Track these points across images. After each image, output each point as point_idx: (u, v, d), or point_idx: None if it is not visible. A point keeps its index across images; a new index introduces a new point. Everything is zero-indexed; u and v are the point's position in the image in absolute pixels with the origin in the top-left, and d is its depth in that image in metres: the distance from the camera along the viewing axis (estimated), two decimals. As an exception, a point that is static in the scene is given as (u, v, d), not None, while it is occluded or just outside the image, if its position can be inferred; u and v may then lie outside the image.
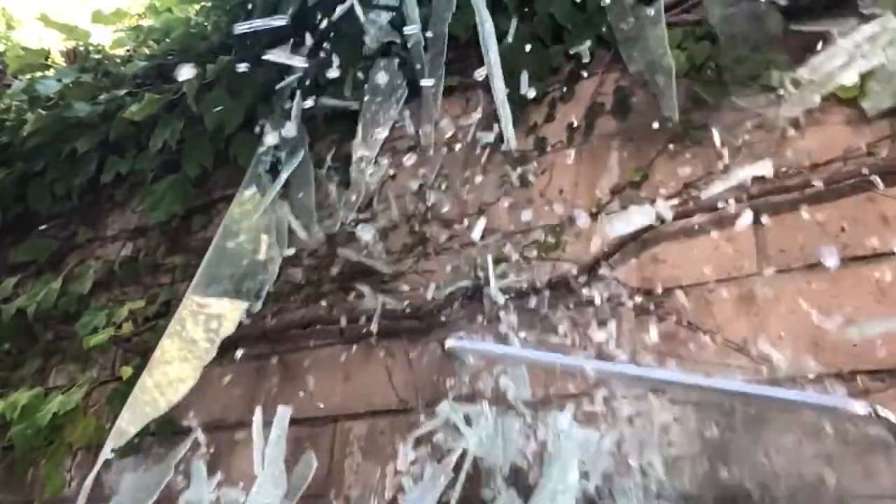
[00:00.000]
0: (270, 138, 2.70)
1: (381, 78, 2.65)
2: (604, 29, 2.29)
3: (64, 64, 3.47)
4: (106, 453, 2.25)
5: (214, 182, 3.06)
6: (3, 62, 3.65)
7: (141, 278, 3.04)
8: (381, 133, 2.58)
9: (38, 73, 3.45)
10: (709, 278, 1.89)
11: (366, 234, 2.52)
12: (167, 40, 3.35)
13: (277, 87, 2.80)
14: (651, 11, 2.17)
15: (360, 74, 2.73)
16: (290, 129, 2.71)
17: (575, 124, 2.29)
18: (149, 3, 3.55)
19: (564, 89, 2.37)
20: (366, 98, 2.67)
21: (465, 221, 2.36)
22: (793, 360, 1.70)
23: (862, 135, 1.85)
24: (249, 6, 3.02)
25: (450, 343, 1.94)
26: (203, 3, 3.35)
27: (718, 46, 2.09)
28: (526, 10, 2.44)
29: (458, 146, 2.50)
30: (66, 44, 3.52)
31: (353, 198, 2.60)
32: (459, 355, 2.03)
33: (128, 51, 3.46)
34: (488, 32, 2.34)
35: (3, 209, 3.44)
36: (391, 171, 2.63)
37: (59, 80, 3.30)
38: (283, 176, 2.65)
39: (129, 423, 2.26)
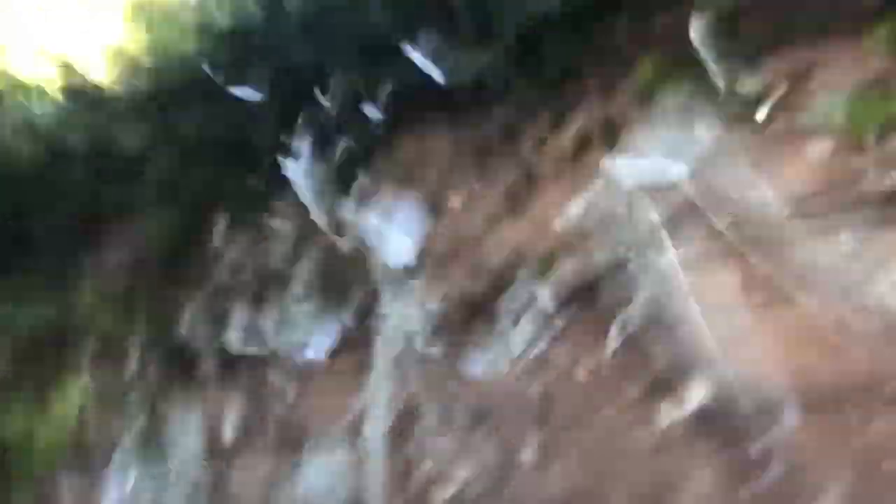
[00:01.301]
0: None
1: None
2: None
3: (60, 96, 3.52)
4: None
5: (210, 211, 3.11)
6: (-1, 94, 3.70)
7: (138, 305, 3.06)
8: None
9: (36, 106, 3.50)
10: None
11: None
12: (163, 77, 3.43)
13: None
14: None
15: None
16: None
17: (565, 152, 2.39)
18: (147, 40, 3.64)
19: (555, 118, 2.48)
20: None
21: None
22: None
23: None
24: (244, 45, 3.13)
25: None
26: (199, 43, 3.45)
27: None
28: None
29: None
30: (63, 76, 3.58)
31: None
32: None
33: (123, 85, 3.53)
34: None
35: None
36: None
37: (55, 112, 3.37)
38: None
39: None
